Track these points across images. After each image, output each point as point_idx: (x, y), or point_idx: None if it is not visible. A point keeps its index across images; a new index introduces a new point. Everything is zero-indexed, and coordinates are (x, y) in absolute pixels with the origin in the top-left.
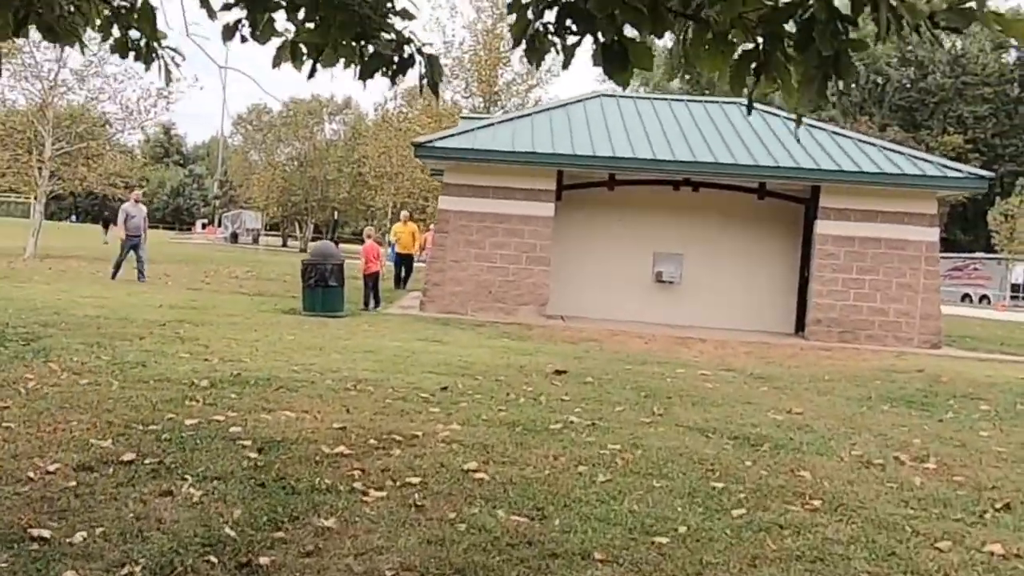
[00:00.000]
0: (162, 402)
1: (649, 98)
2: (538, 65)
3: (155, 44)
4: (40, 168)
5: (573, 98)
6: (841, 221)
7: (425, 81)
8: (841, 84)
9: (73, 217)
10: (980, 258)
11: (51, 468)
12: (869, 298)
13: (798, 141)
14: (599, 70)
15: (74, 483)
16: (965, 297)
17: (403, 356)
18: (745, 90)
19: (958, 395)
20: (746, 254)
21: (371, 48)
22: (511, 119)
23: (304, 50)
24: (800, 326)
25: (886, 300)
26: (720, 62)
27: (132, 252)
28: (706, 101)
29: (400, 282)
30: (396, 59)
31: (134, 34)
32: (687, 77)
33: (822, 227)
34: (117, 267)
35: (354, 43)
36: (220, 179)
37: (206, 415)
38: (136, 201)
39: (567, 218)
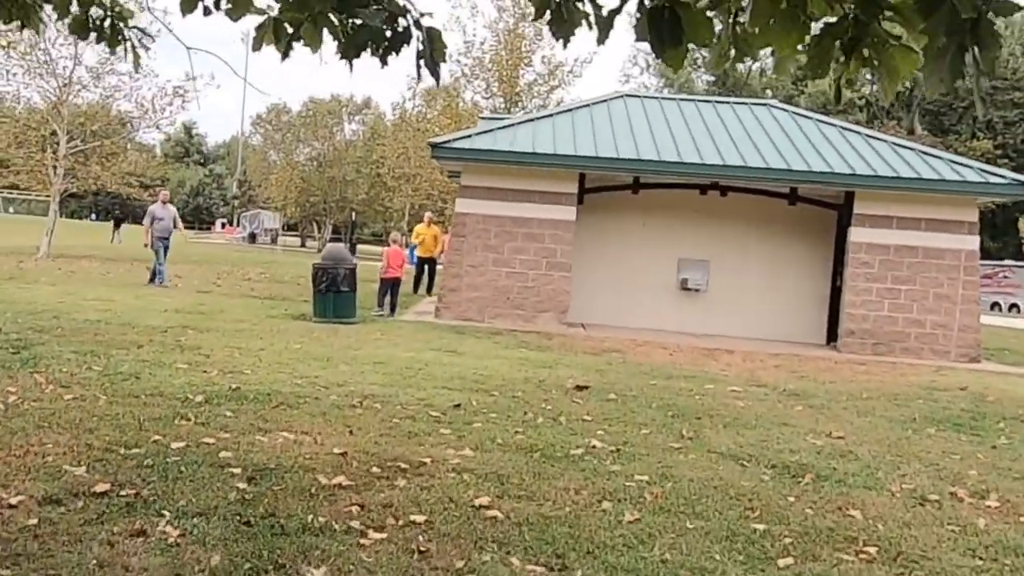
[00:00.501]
0: (150, 421)
1: (675, 98)
2: (566, 42)
3: (120, 24)
4: (55, 167)
5: (596, 98)
6: (876, 228)
7: (423, 61)
8: (980, 57)
9: (93, 216)
10: (1010, 266)
11: (14, 501)
12: (905, 309)
13: (830, 147)
14: (626, 68)
15: (36, 520)
16: (995, 306)
17: (415, 368)
18: (819, 76)
19: (1008, 417)
20: (775, 261)
21: (358, 21)
22: (531, 119)
23: (289, 30)
24: (831, 337)
25: (923, 311)
26: (794, 38)
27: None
28: (735, 102)
29: (419, 286)
30: (388, 33)
31: (96, 12)
32: (718, 75)
33: (856, 234)
34: (157, 273)
35: (339, 15)
36: (239, 179)
37: (196, 437)
38: (164, 202)
39: (589, 222)
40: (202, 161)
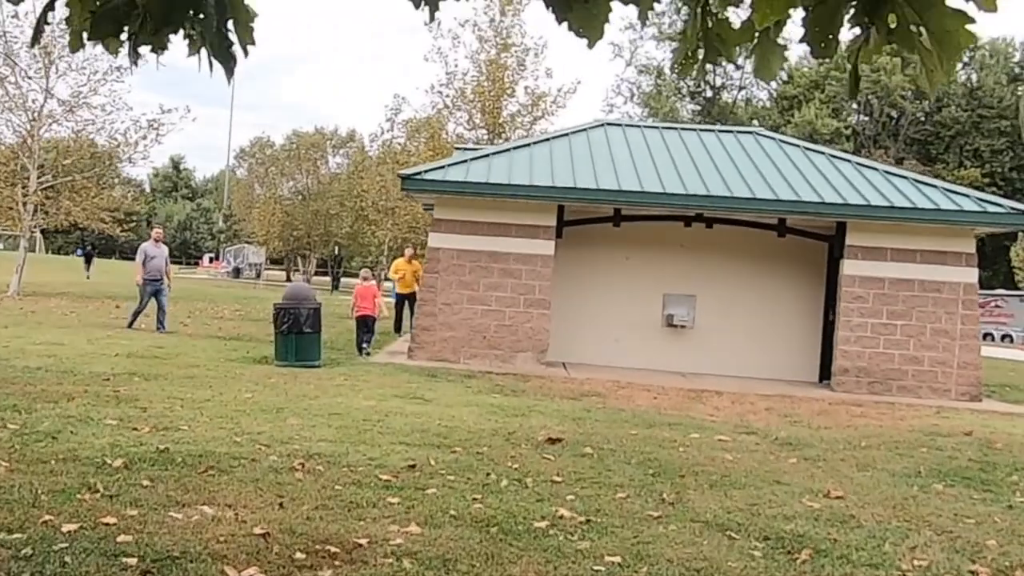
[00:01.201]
0: (50, 493)
1: (657, 127)
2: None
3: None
4: (24, 203)
5: (575, 127)
6: (869, 261)
7: (210, 43)
8: None
9: (79, 251)
10: (1002, 295)
11: None
12: (901, 345)
13: (820, 174)
14: (609, 98)
15: None
16: (987, 336)
17: (373, 420)
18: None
19: (1020, 468)
20: (764, 296)
21: None
22: (508, 149)
23: None
24: (824, 375)
25: (920, 348)
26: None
27: (153, 299)
28: (720, 130)
29: (400, 325)
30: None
31: None
32: (703, 104)
33: (848, 267)
34: (136, 315)
35: None
36: (225, 213)
37: (96, 515)
38: (157, 240)
39: (569, 257)
40: (190, 195)
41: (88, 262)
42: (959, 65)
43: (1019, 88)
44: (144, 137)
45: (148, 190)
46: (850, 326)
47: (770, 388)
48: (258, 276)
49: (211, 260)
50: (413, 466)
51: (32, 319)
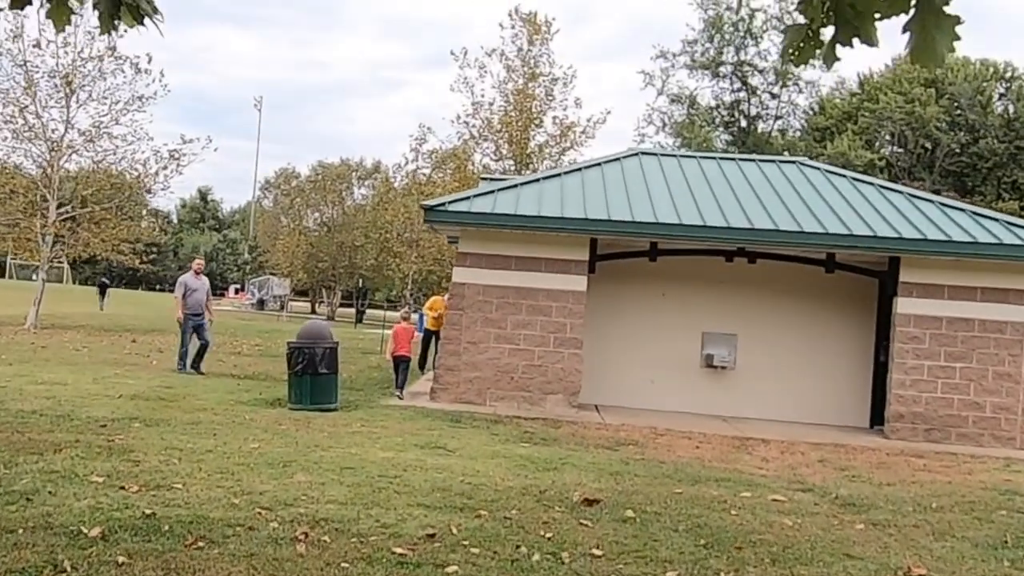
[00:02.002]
0: (7, 575)
1: (694, 156)
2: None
3: None
4: (43, 234)
5: (608, 156)
6: (926, 299)
7: None
8: None
9: (105, 281)
10: None
11: None
12: (961, 389)
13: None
14: (640, 127)
15: None
16: None
17: (389, 476)
18: None
19: None
20: (811, 335)
21: None
22: (537, 180)
23: None
24: (876, 420)
25: (981, 392)
26: None
27: (195, 332)
28: (760, 159)
29: (425, 362)
30: None
31: None
32: (736, 134)
33: (903, 305)
34: (184, 357)
35: None
36: (250, 244)
37: None
38: (197, 272)
39: (602, 293)
40: (217, 227)
41: (102, 294)
42: (996, 96)
43: None
44: (165, 167)
45: (175, 221)
46: (905, 368)
47: (819, 435)
48: (283, 308)
49: (237, 291)
50: (432, 535)
51: (40, 355)
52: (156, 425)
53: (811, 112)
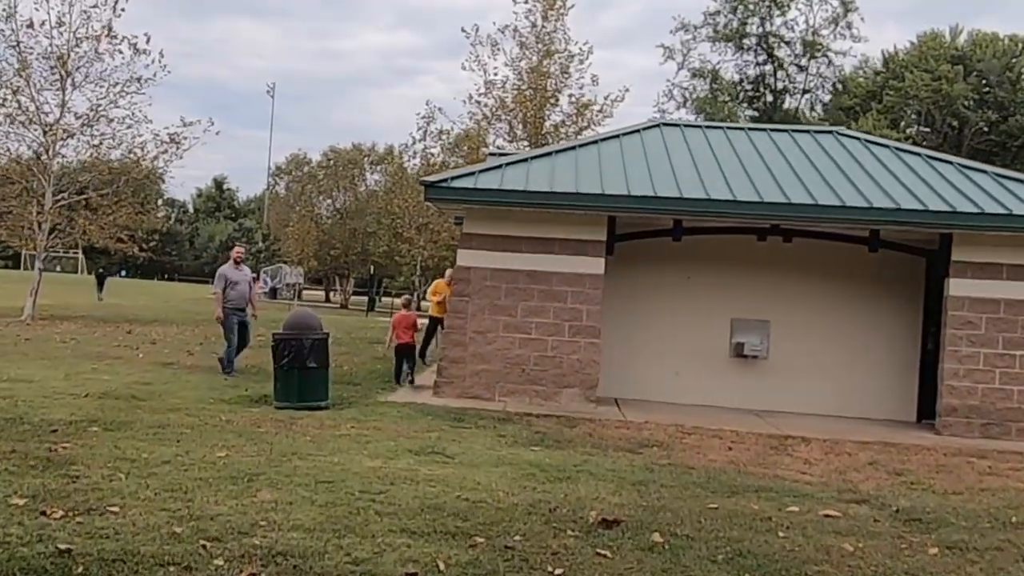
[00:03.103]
0: None
1: (721, 127)
2: None
3: None
4: (39, 222)
5: (627, 128)
6: (981, 279)
7: None
8: None
9: (123, 272)
10: None
11: None
12: (1022, 380)
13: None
14: (660, 103)
15: None
16: None
17: (372, 492)
18: None
19: None
20: (851, 321)
21: None
22: (549, 153)
23: None
24: (924, 413)
25: None
26: None
27: (239, 329)
28: (793, 129)
29: (425, 351)
30: None
31: None
32: (757, 98)
33: (956, 287)
34: (230, 361)
35: None
36: (263, 232)
37: None
38: (237, 261)
39: (621, 276)
40: (233, 216)
41: (100, 284)
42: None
43: None
44: (165, 151)
45: (191, 210)
46: (958, 357)
47: (864, 431)
48: (297, 296)
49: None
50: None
51: (21, 348)
52: (116, 430)
53: (837, 90)
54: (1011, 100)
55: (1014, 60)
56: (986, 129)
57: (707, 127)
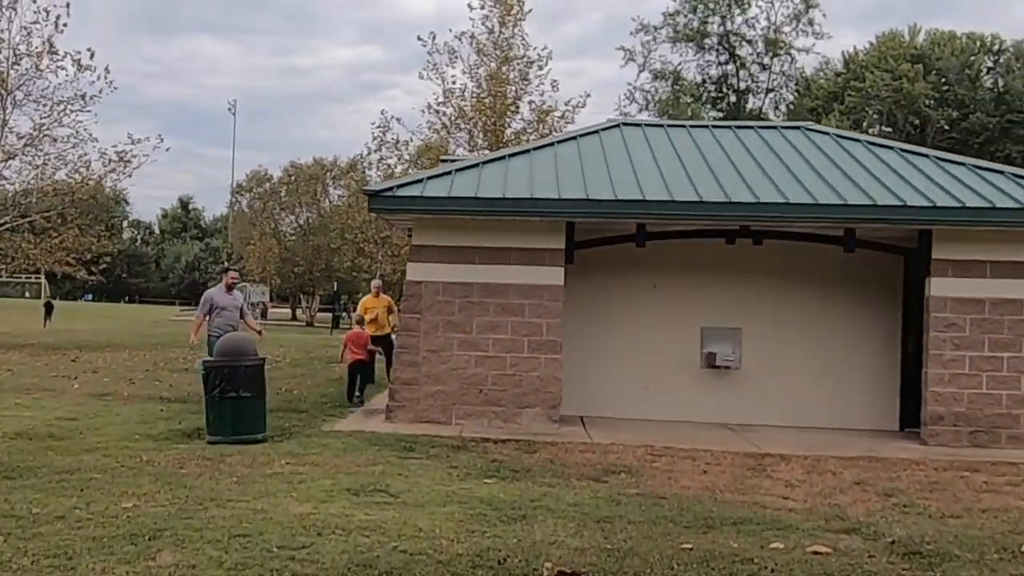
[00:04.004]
0: None
1: (684, 125)
2: None
3: None
4: None
5: (585, 128)
6: (964, 278)
7: None
8: None
9: (89, 296)
10: None
11: None
12: (1010, 383)
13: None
14: (622, 106)
15: None
16: None
17: (294, 548)
18: None
19: None
20: (827, 325)
21: None
22: (502, 157)
23: None
24: (907, 421)
25: None
26: None
27: None
28: (760, 126)
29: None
30: None
31: None
32: (720, 99)
33: (937, 287)
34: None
35: None
36: (227, 251)
37: None
38: (229, 286)
39: (582, 286)
40: (200, 235)
41: (48, 313)
42: (984, 70)
43: None
44: (112, 170)
45: (157, 231)
46: (942, 361)
47: (846, 444)
48: (263, 315)
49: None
50: None
51: None
52: (16, 477)
53: (800, 92)
54: (971, 98)
55: (972, 58)
56: (947, 127)
57: (670, 126)
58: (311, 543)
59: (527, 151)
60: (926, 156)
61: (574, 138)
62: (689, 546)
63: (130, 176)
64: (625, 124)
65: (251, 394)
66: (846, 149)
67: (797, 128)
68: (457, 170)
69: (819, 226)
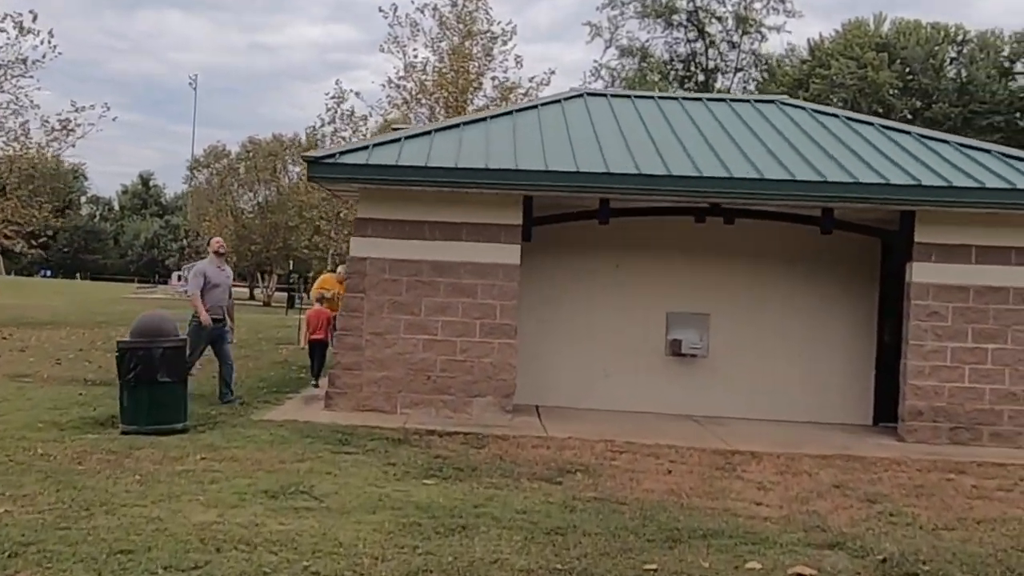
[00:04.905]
0: None
1: (651, 96)
2: None
3: None
4: None
5: (546, 98)
6: (948, 263)
7: None
8: None
9: (47, 272)
10: None
11: None
12: (994, 377)
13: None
14: (588, 83)
15: None
16: None
17: (185, 567)
18: None
19: None
20: (798, 313)
21: None
22: (456, 125)
23: None
24: (881, 415)
25: (1020, 380)
26: None
27: (212, 347)
28: (732, 99)
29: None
30: None
31: None
32: (688, 78)
33: (919, 272)
34: (224, 389)
35: None
36: (185, 228)
37: None
38: (217, 254)
39: (540, 266)
40: (160, 212)
41: None
42: (948, 60)
43: (1010, 82)
44: (55, 139)
45: (116, 207)
46: (923, 352)
47: (819, 441)
48: None
49: (179, 278)
50: None
51: None
52: None
53: (764, 78)
54: (935, 87)
55: (936, 48)
56: (911, 116)
57: (637, 96)
58: (205, 562)
59: (483, 119)
60: (907, 133)
61: (535, 107)
62: (653, 566)
63: (73, 146)
64: (589, 94)
65: (171, 379)
66: (823, 124)
67: (771, 102)
68: (407, 137)
69: (795, 205)
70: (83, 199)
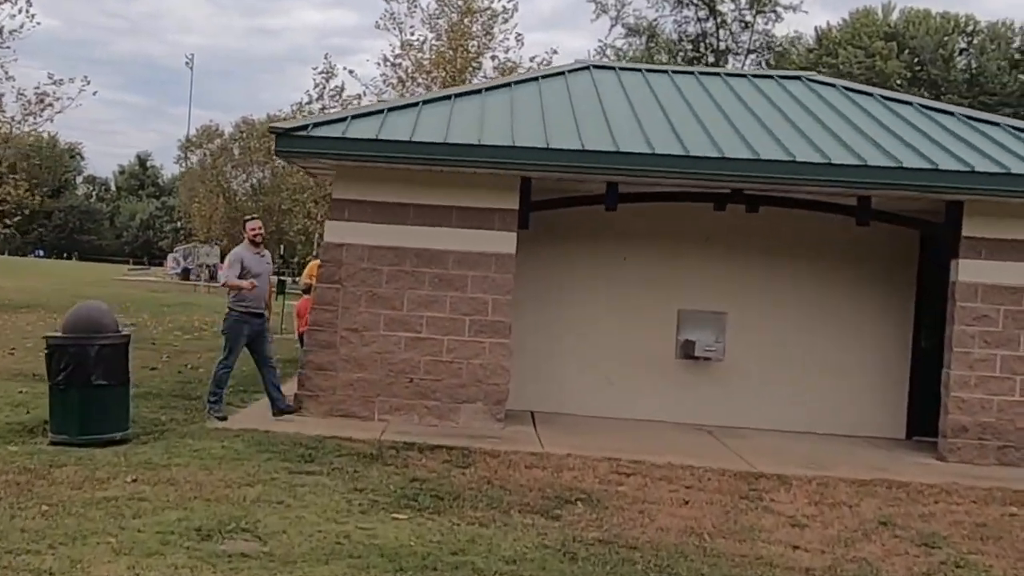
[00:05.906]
0: None
1: (664, 70)
2: None
3: None
4: None
5: (549, 70)
6: (999, 260)
7: None
8: None
9: (40, 252)
10: None
11: None
12: None
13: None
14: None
15: None
16: None
17: None
18: None
19: None
20: (828, 313)
21: None
22: (447, 97)
23: None
24: (915, 428)
25: None
26: None
27: (249, 348)
28: (754, 75)
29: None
30: None
31: None
32: (697, 59)
33: (966, 271)
34: (219, 388)
35: None
36: (178, 210)
37: None
38: (253, 240)
39: (538, 257)
40: (157, 194)
41: None
42: (958, 51)
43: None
44: (31, 113)
45: (113, 188)
46: (969, 361)
47: (851, 459)
48: (212, 278)
49: (176, 262)
50: None
51: None
52: None
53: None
54: (944, 78)
55: (946, 38)
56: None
57: (648, 70)
58: None
59: (478, 91)
60: (951, 114)
61: (535, 79)
62: None
63: (51, 121)
64: (596, 67)
65: (108, 382)
66: (857, 103)
67: (797, 78)
68: (390, 109)
69: (830, 192)
70: (79, 179)
